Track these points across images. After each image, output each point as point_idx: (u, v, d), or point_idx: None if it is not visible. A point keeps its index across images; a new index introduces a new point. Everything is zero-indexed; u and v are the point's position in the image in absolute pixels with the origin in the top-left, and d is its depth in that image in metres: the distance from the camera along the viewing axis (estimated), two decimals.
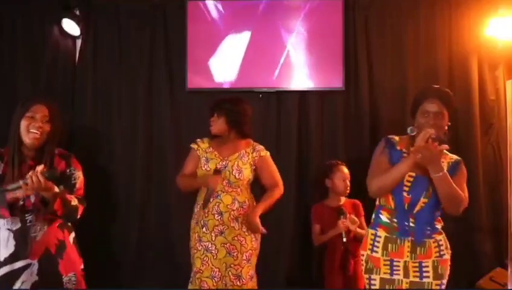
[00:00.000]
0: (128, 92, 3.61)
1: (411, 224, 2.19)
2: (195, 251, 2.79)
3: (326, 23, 3.53)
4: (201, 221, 2.76)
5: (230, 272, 2.75)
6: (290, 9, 3.57)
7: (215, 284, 2.72)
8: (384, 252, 2.21)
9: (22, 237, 2.20)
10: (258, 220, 2.73)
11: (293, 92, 3.59)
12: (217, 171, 2.73)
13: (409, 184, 2.19)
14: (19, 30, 3.56)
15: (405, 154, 2.21)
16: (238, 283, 2.74)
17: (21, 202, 2.19)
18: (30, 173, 2.06)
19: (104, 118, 3.62)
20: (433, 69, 3.53)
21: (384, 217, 2.26)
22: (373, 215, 2.36)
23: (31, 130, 2.23)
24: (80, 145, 3.47)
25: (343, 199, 3.14)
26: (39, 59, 3.56)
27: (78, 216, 2.32)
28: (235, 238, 2.75)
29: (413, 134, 2.16)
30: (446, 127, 2.19)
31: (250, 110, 2.93)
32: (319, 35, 3.55)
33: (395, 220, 2.22)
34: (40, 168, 2.08)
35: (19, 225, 2.20)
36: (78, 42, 3.65)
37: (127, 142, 3.60)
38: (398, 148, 2.25)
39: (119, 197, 3.57)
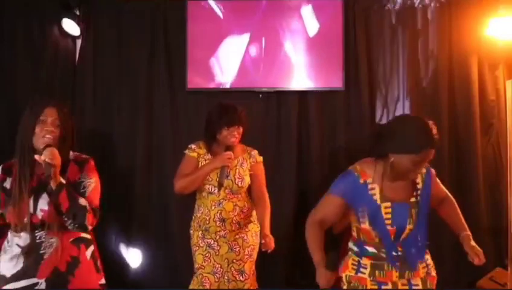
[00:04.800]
0: (128, 92, 3.62)
1: (399, 253, 2.07)
2: (197, 247, 2.78)
3: (326, 23, 3.54)
4: (203, 226, 2.76)
5: (232, 268, 2.75)
6: (290, 9, 3.57)
7: (216, 280, 2.73)
8: (371, 277, 2.09)
9: (30, 254, 2.05)
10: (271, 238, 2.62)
11: (293, 92, 3.59)
12: (228, 148, 2.68)
13: (389, 216, 2.03)
14: (19, 30, 3.56)
15: (373, 191, 2.02)
16: (241, 278, 2.75)
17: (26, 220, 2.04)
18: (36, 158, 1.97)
19: (104, 118, 3.62)
20: (433, 69, 3.53)
21: (370, 249, 2.11)
22: (351, 246, 2.17)
23: (45, 135, 2.04)
24: (79, 145, 3.45)
25: None
26: (39, 59, 3.56)
27: (87, 222, 2.06)
28: (237, 236, 2.76)
29: None
30: None
31: None
32: (319, 36, 3.55)
33: (383, 250, 2.08)
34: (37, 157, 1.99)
35: (28, 242, 2.05)
36: (78, 42, 3.65)
37: (127, 142, 3.60)
38: (361, 181, 2.04)
39: (119, 196, 3.56)
